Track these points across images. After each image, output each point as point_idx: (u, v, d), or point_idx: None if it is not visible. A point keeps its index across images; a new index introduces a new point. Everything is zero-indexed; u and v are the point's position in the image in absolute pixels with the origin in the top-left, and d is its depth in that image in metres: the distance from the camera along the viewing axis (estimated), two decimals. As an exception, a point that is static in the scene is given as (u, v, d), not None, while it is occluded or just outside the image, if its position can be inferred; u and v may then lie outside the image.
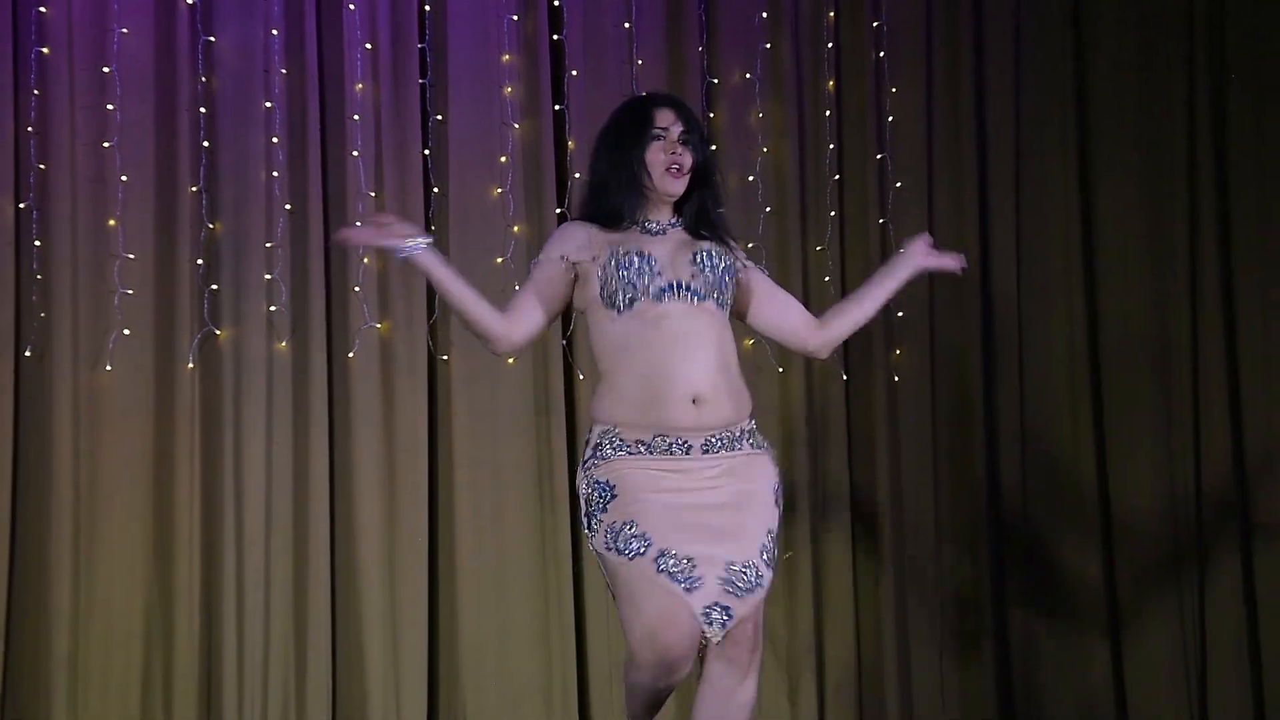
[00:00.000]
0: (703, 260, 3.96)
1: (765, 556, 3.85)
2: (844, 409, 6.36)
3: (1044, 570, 6.44)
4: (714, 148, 6.07)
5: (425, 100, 6.09)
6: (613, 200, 4.00)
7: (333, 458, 5.95)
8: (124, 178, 5.84)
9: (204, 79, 5.93)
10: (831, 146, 6.39)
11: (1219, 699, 6.27)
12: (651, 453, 3.88)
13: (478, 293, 3.93)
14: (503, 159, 6.11)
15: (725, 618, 3.78)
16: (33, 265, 5.79)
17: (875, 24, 6.43)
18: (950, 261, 4.27)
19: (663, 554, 3.77)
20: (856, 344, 6.36)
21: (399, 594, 5.93)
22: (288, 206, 5.95)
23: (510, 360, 6.02)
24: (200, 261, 5.90)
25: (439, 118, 6.09)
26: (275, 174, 5.95)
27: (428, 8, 6.10)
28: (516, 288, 5.91)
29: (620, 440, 3.90)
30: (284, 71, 5.97)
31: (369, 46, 6.02)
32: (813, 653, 6.24)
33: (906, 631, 6.32)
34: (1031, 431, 6.43)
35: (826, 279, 6.33)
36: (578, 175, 6.01)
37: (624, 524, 3.82)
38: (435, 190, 6.08)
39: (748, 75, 6.33)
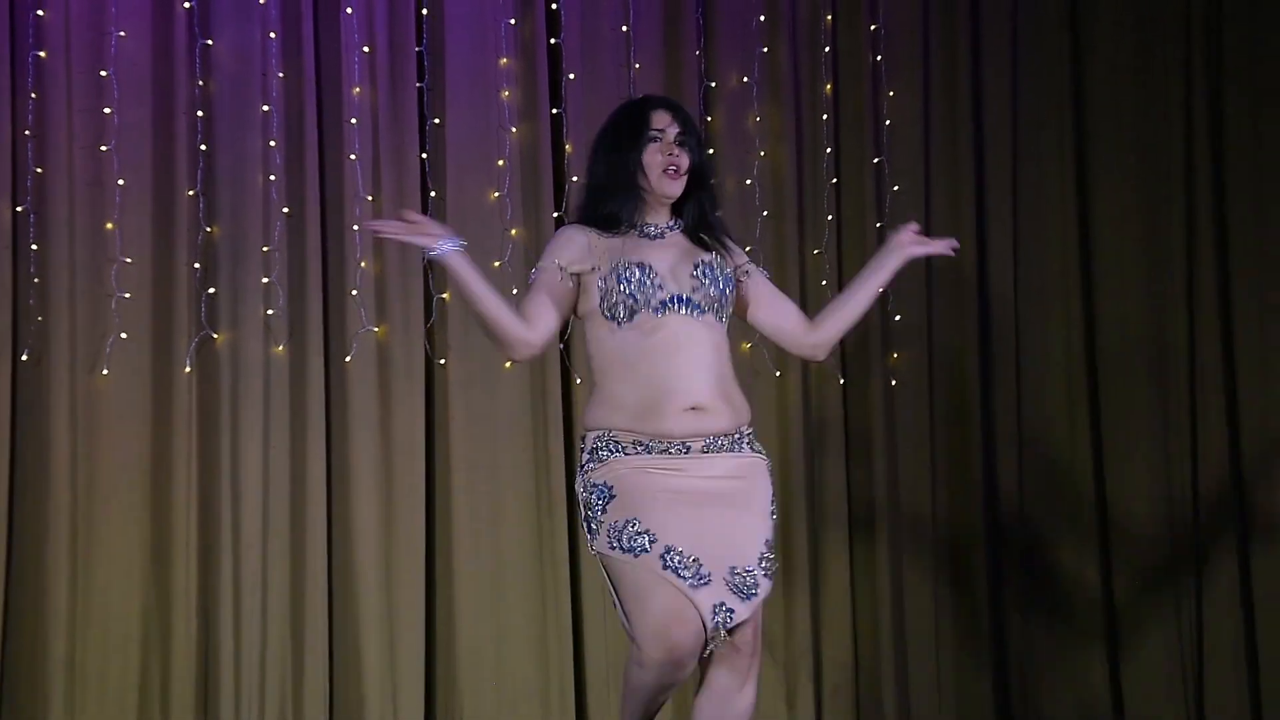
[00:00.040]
0: (704, 273, 3.96)
1: (764, 565, 3.86)
2: (841, 412, 6.36)
3: (1041, 573, 6.44)
4: (711, 151, 6.09)
5: (423, 104, 6.09)
6: (611, 204, 3.99)
7: (330, 461, 5.95)
8: (121, 181, 5.84)
9: (201, 82, 5.93)
10: (829, 150, 6.39)
11: (1216, 701, 6.27)
12: (650, 453, 3.88)
13: (501, 297, 3.91)
14: (500, 162, 6.11)
15: (729, 618, 3.79)
16: (30, 269, 5.78)
17: (873, 28, 6.43)
18: (940, 246, 4.20)
19: (669, 550, 3.78)
20: (854, 347, 6.37)
21: (396, 597, 5.94)
22: (285, 210, 5.95)
23: (507, 364, 6.02)
24: (197, 265, 5.89)
25: (436, 121, 6.09)
26: (273, 177, 5.95)
27: (425, 11, 6.10)
28: (514, 291, 5.98)
29: (617, 443, 3.90)
30: (281, 75, 5.96)
31: (366, 50, 6.02)
32: (810, 656, 6.25)
33: (904, 634, 6.32)
34: (1029, 434, 6.43)
35: (824, 282, 6.33)
36: (575, 179, 6.00)
37: (626, 521, 3.81)
38: (433, 194, 6.08)
39: (745, 79, 6.33)
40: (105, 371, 5.81)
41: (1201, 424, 6.36)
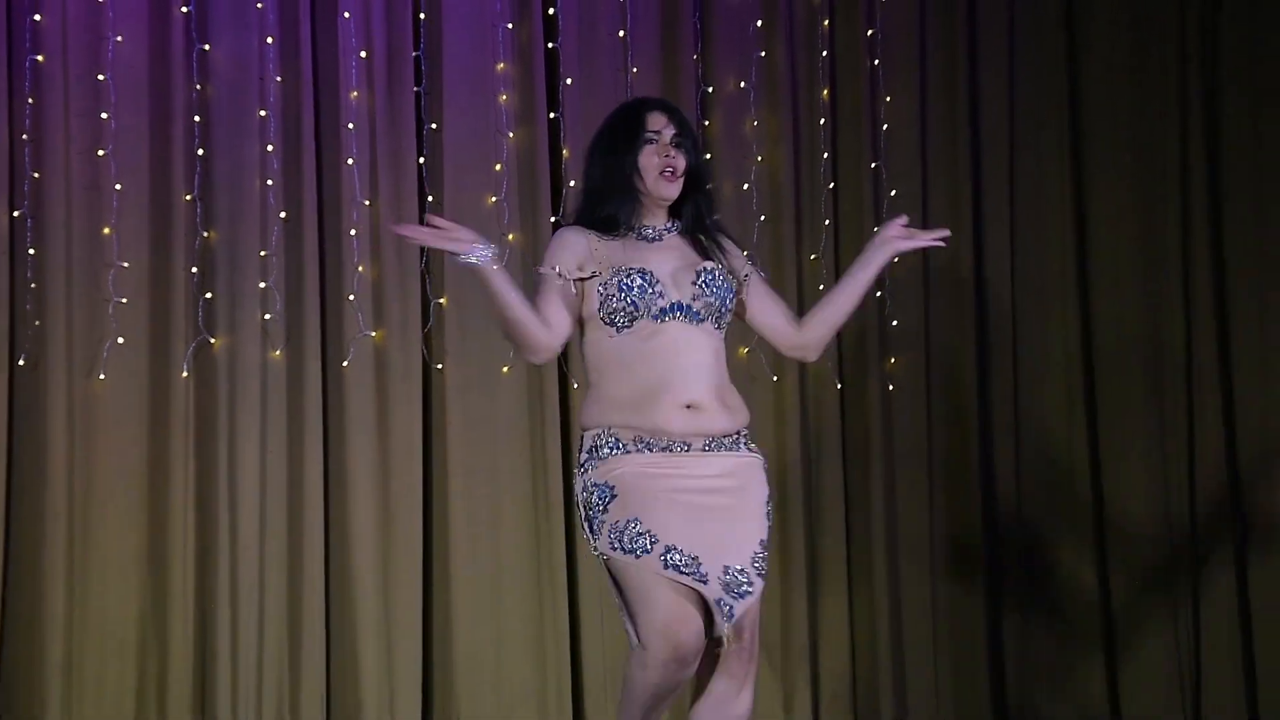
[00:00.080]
0: (705, 282, 3.95)
1: (757, 565, 3.86)
2: (839, 417, 6.35)
3: (1039, 577, 6.44)
4: (709, 156, 6.09)
5: (420, 108, 6.09)
6: (608, 207, 3.99)
7: (327, 466, 5.95)
8: (118, 186, 5.84)
9: (199, 87, 5.93)
10: (826, 154, 6.39)
11: (1215, 703, 6.28)
12: (650, 450, 3.88)
13: (527, 302, 3.90)
14: (497, 167, 6.11)
15: (730, 611, 3.79)
16: (27, 273, 5.79)
17: (869, 32, 6.43)
18: (928, 239, 4.11)
19: (669, 549, 3.77)
20: (851, 352, 6.37)
21: (394, 600, 5.93)
22: (282, 215, 5.95)
23: (505, 369, 6.03)
24: (195, 269, 5.89)
25: (434, 126, 6.09)
26: (270, 182, 5.95)
27: (423, 16, 6.10)
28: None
29: (617, 440, 3.89)
30: (279, 79, 5.96)
31: (364, 54, 6.02)
32: (807, 661, 6.24)
33: (901, 639, 6.32)
34: (1026, 438, 6.43)
35: (821, 286, 6.32)
36: (572, 183, 6.00)
37: (628, 522, 3.81)
38: (430, 198, 6.08)
39: (742, 83, 6.33)
40: (102, 376, 5.80)
41: (1199, 424, 6.37)
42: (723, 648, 3.83)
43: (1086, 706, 6.35)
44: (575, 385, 6.07)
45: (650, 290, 3.90)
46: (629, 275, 3.90)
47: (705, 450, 3.90)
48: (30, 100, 5.80)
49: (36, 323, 5.78)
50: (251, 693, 5.80)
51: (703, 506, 3.84)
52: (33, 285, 5.78)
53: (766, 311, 4.10)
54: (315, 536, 5.88)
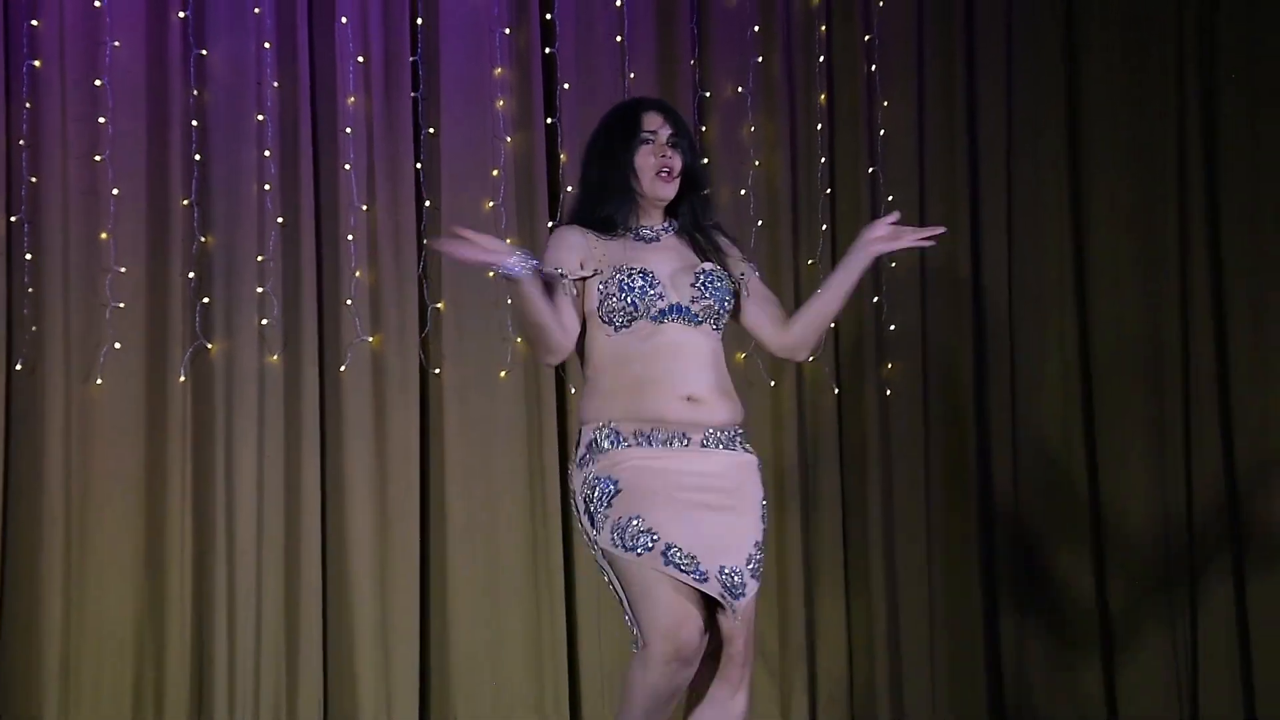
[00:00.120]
0: (704, 284, 3.95)
1: (752, 566, 3.86)
2: (836, 422, 6.35)
3: (1037, 583, 6.44)
4: (706, 160, 6.09)
5: (417, 113, 6.09)
6: (605, 208, 3.98)
7: (324, 470, 5.95)
8: (116, 191, 5.84)
9: (196, 92, 5.93)
10: (823, 159, 6.39)
11: (1211, 708, 6.28)
12: (651, 444, 3.87)
13: (550, 305, 3.90)
14: (495, 172, 6.12)
15: (732, 611, 3.80)
16: (24, 278, 5.79)
17: (867, 37, 6.44)
18: (912, 238, 4.02)
19: (670, 547, 3.77)
20: (848, 357, 6.37)
21: (391, 605, 5.93)
22: (280, 220, 5.96)
23: (502, 373, 6.03)
24: (192, 275, 5.90)
25: (431, 131, 6.09)
26: (267, 187, 5.95)
27: (420, 21, 6.10)
28: (509, 301, 5.99)
29: (617, 434, 3.88)
30: (276, 85, 5.97)
31: (361, 60, 6.02)
32: (804, 666, 6.24)
33: (898, 644, 6.32)
34: (1024, 443, 6.43)
35: (819, 292, 6.32)
36: (570, 189, 6.00)
37: (630, 519, 3.80)
38: (427, 203, 6.08)
39: (740, 89, 6.33)
40: (99, 381, 5.81)
41: (1196, 428, 6.38)
42: (721, 650, 3.84)
43: (1084, 710, 6.35)
44: (572, 390, 6.07)
45: (650, 291, 3.90)
46: (630, 275, 3.90)
47: (704, 446, 3.89)
48: (28, 105, 5.80)
49: (34, 328, 5.78)
50: (249, 696, 5.80)
51: (701, 505, 3.84)
52: (30, 290, 5.78)
53: (759, 313, 4.09)
54: (312, 540, 5.88)
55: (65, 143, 5.83)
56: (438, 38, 6.10)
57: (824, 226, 6.37)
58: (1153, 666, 6.34)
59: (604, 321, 3.91)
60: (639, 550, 3.78)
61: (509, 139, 6.13)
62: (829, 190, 6.40)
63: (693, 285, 3.94)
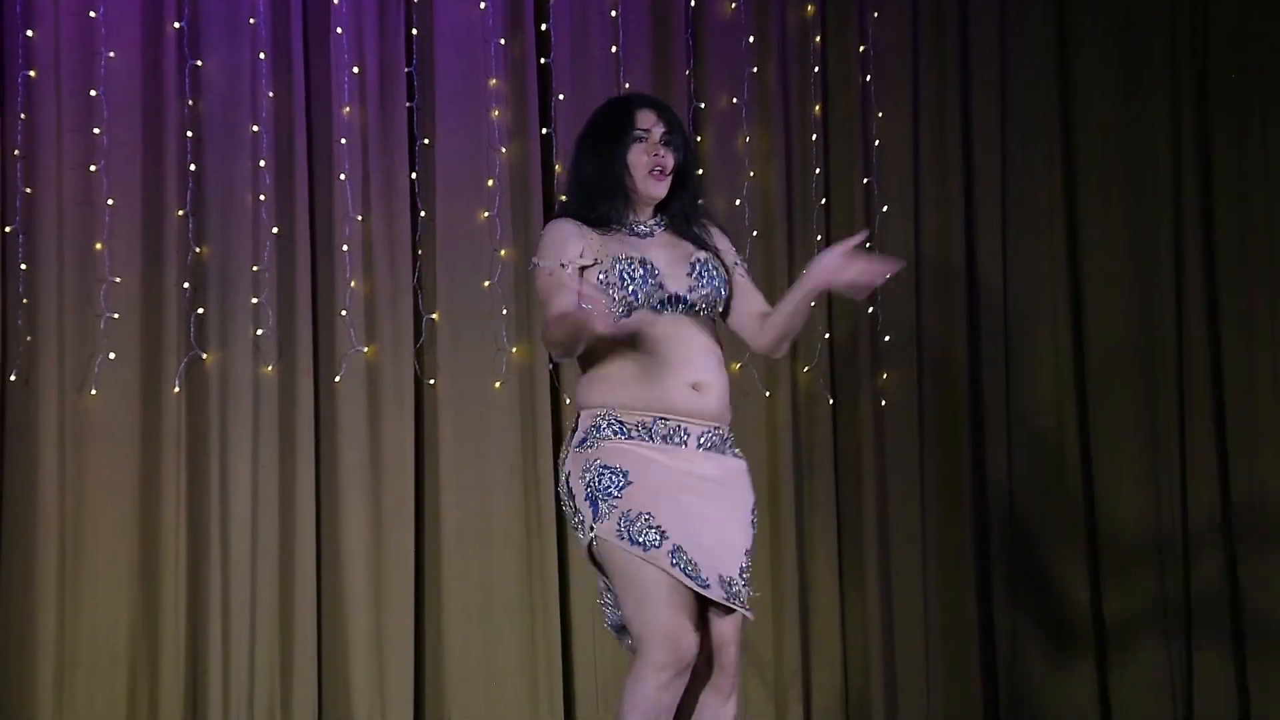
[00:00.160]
0: (700, 273, 3.96)
1: (745, 576, 3.86)
2: (831, 433, 6.35)
3: (1032, 590, 6.44)
4: (700, 171, 6.09)
5: (412, 124, 6.09)
6: (602, 205, 3.97)
7: (319, 481, 5.94)
8: (111, 201, 5.84)
9: (191, 103, 5.93)
10: (818, 170, 6.40)
11: (1205, 712, 6.28)
12: (652, 439, 3.86)
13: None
14: (490, 182, 6.12)
15: (744, 612, 3.82)
16: (19, 289, 5.78)
17: (862, 48, 6.45)
18: (863, 274, 3.89)
19: (677, 549, 3.77)
20: (843, 367, 6.37)
21: (385, 616, 5.93)
22: (274, 230, 5.95)
23: (497, 384, 6.03)
24: (187, 285, 5.89)
25: (426, 141, 6.10)
26: (262, 197, 5.95)
27: (415, 31, 6.10)
28: (505, 311, 5.99)
29: (620, 423, 3.86)
30: (271, 95, 5.97)
31: (356, 70, 6.03)
32: (799, 678, 6.23)
33: (893, 656, 6.31)
34: (1019, 453, 6.43)
35: (813, 303, 6.31)
36: (563, 198, 5.99)
37: (640, 514, 3.78)
38: (422, 214, 6.08)
39: (734, 100, 6.33)
40: (94, 392, 5.80)
41: (1190, 432, 6.41)
42: (706, 662, 3.84)
43: (1079, 716, 6.35)
44: (567, 401, 6.07)
45: (650, 281, 3.89)
46: (631, 264, 3.90)
47: (699, 449, 3.89)
48: (23, 116, 5.80)
49: (28, 338, 5.77)
50: (243, 707, 5.79)
51: (700, 509, 3.84)
52: (25, 301, 5.78)
53: (743, 310, 4.08)
54: (307, 551, 5.87)
55: (60, 153, 5.82)
56: (433, 48, 6.10)
57: (819, 237, 6.37)
58: (1147, 671, 6.35)
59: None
60: (646, 546, 3.76)
61: (504, 149, 6.13)
62: (824, 201, 6.40)
63: (689, 275, 3.94)
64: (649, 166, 3.97)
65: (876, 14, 6.44)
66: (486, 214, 6.11)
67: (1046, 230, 6.52)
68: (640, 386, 3.86)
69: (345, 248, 5.97)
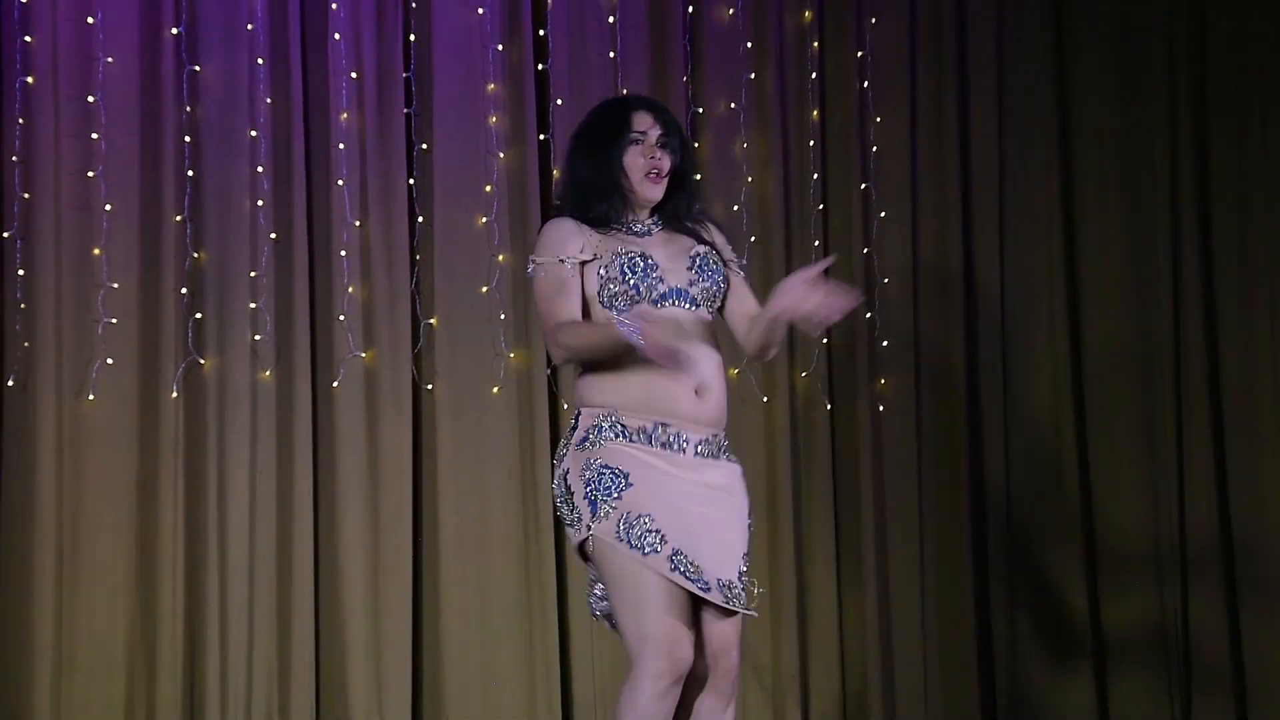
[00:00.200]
0: (700, 266, 3.97)
1: (743, 580, 3.86)
2: (829, 438, 6.35)
3: (1030, 593, 6.45)
4: (699, 176, 6.09)
5: (410, 129, 6.09)
6: (597, 206, 3.97)
7: (317, 486, 5.94)
8: (108, 206, 5.84)
9: (189, 108, 5.93)
10: (816, 175, 6.40)
11: (1203, 714, 6.28)
12: (652, 444, 3.86)
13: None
14: (488, 188, 6.12)
15: (748, 613, 3.82)
16: (16, 294, 5.78)
17: (859, 54, 6.45)
18: (820, 307, 3.77)
19: (677, 553, 3.77)
20: (841, 372, 6.38)
21: (383, 621, 5.92)
22: (272, 235, 5.95)
23: (495, 389, 6.03)
24: (184, 290, 5.89)
25: (424, 147, 6.10)
26: (260, 203, 5.95)
27: (413, 37, 6.10)
28: (503, 316, 5.99)
29: (622, 426, 3.86)
30: (269, 100, 5.97)
31: (354, 76, 6.03)
32: (797, 682, 6.23)
33: (891, 660, 6.31)
34: (1016, 459, 6.44)
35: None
36: (558, 202, 6.00)
37: (640, 516, 3.78)
38: (420, 219, 6.08)
39: (732, 105, 6.34)
40: (92, 397, 5.80)
41: (1188, 436, 6.42)
42: (699, 672, 3.84)
43: (1077, 718, 6.36)
44: (565, 406, 6.07)
45: (651, 275, 3.90)
46: (631, 259, 3.90)
47: (696, 455, 3.89)
48: (20, 121, 5.80)
49: (26, 344, 5.77)
50: (241, 712, 5.79)
51: (700, 515, 3.85)
52: (22, 306, 5.77)
53: (734, 306, 4.07)
54: (305, 556, 5.87)
55: (58, 159, 5.82)
56: (431, 54, 6.11)
57: (816, 242, 6.38)
58: (1145, 673, 6.35)
59: (605, 306, 3.90)
60: (645, 550, 3.76)
61: (502, 155, 6.14)
62: (821, 206, 6.41)
63: (689, 269, 3.95)
64: (645, 169, 3.97)
65: (874, 20, 6.45)
66: (484, 219, 6.12)
67: (1044, 236, 6.53)
68: (643, 388, 3.86)
69: (343, 253, 5.97)
